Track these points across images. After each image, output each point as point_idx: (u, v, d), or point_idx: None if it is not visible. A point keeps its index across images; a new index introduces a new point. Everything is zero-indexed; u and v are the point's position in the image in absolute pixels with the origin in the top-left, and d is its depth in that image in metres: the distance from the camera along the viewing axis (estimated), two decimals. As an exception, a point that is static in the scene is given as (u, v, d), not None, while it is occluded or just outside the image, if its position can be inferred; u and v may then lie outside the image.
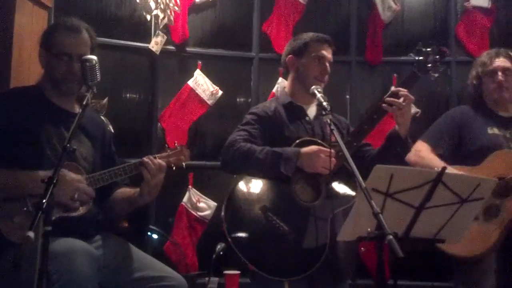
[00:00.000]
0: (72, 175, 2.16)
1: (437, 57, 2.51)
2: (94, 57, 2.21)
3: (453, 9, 4.57)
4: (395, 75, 4.46)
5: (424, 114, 4.28)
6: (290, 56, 2.76)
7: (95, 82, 2.17)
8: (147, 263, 2.31)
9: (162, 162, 2.32)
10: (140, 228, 3.81)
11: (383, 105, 2.46)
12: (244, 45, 4.51)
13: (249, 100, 4.45)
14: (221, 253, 2.95)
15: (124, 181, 2.47)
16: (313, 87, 2.49)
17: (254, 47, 4.49)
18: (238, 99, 4.50)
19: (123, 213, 2.55)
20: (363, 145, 2.72)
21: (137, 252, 2.37)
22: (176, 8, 4.09)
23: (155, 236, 3.89)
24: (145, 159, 2.31)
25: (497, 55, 3.00)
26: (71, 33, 2.35)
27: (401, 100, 2.43)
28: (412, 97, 2.48)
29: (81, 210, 2.21)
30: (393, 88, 2.51)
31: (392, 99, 2.44)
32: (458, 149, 2.96)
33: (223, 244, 2.79)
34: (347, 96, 4.63)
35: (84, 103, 2.08)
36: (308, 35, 2.75)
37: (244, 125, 2.66)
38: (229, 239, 2.41)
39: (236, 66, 4.52)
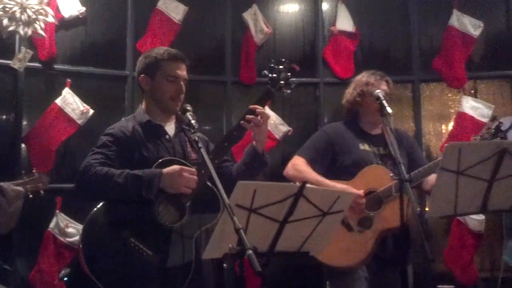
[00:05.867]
0: None
1: (289, 74, 2.59)
2: None
3: (321, 33, 4.83)
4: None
5: (295, 132, 4.46)
6: (142, 76, 2.65)
7: None
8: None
9: (19, 188, 2.16)
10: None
11: (242, 122, 2.49)
12: (118, 63, 4.41)
13: (123, 119, 4.31)
14: (65, 279, 2.74)
15: None
16: (185, 105, 2.48)
17: (128, 65, 4.40)
18: (111, 119, 4.35)
19: None
20: (222, 161, 2.71)
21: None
22: (52, 20, 3.88)
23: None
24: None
25: (382, 78, 3.12)
26: None
27: (258, 117, 2.47)
28: (268, 114, 2.52)
29: None
30: (250, 106, 2.52)
31: (250, 116, 2.47)
32: (334, 163, 3.08)
33: (67, 270, 2.64)
34: (224, 116, 4.68)
35: None
36: (159, 52, 2.63)
37: (100, 147, 2.49)
38: (88, 269, 2.29)
39: (109, 84, 4.40)
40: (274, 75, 2.55)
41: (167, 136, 2.62)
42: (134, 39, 4.43)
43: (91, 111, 4.10)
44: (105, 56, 4.38)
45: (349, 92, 3.20)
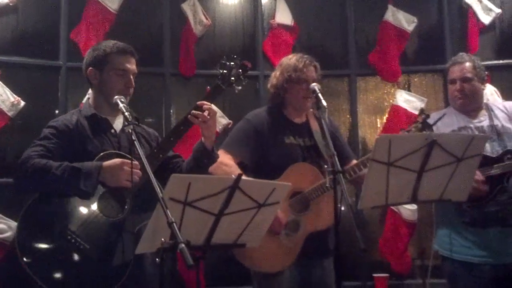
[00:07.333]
0: None
1: (240, 70, 2.58)
2: None
3: (260, 26, 4.84)
4: (208, 87, 4.54)
5: (235, 125, 4.44)
6: (90, 69, 2.60)
7: None
8: None
9: None
10: None
11: (189, 117, 2.47)
12: (51, 53, 4.27)
13: (57, 111, 4.20)
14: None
15: None
16: (116, 97, 2.42)
17: (62, 55, 4.27)
18: (44, 111, 4.21)
19: None
20: (173, 157, 2.69)
21: None
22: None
23: None
24: None
25: (311, 63, 2.97)
26: None
27: (205, 113, 2.46)
28: (215, 110, 2.51)
29: None
30: (198, 102, 2.50)
31: (197, 112, 2.46)
32: (258, 160, 2.94)
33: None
34: (163, 108, 4.62)
35: None
36: (108, 45, 2.60)
37: (41, 140, 2.44)
38: (24, 264, 2.21)
39: (41, 75, 4.26)
40: (225, 71, 2.54)
41: (112, 131, 2.58)
42: (68, 29, 4.30)
43: (22, 103, 3.97)
44: (37, 46, 4.24)
45: (276, 77, 3.02)
